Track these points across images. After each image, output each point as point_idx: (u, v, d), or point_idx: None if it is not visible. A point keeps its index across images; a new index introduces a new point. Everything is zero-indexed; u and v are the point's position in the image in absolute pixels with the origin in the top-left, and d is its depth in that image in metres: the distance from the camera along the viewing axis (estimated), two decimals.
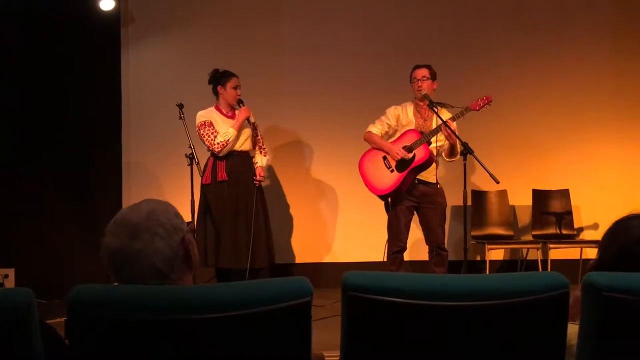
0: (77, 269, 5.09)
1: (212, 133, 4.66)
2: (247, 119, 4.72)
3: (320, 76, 5.85)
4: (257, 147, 4.90)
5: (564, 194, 5.85)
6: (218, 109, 4.79)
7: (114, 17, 5.66)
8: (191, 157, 4.47)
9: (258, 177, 4.79)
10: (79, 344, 1.32)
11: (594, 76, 6.00)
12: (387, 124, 4.63)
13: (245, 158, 4.81)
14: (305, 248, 5.33)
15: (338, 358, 1.47)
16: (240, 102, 4.74)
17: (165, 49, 5.88)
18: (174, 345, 1.30)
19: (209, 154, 4.79)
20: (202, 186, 4.76)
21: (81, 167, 5.55)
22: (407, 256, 4.70)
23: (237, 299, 1.32)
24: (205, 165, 4.74)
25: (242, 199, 4.73)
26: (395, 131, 4.65)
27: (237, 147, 4.74)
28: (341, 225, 5.93)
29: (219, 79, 4.76)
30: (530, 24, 5.99)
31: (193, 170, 4.48)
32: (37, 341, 1.31)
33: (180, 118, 4.56)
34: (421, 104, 4.60)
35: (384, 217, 4.69)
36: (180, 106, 4.60)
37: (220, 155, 4.70)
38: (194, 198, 4.53)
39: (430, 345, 1.42)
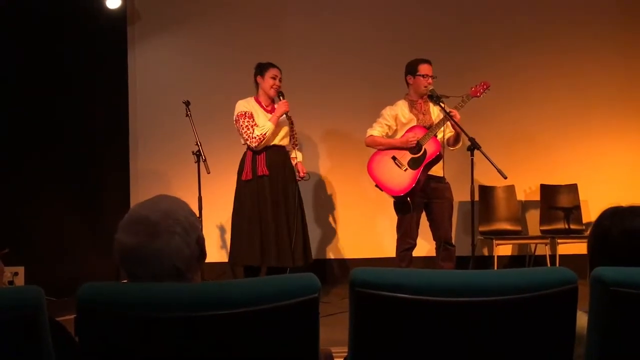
0: (86, 267, 5.12)
1: (251, 126, 4.48)
2: (286, 113, 4.53)
3: (324, 72, 5.84)
4: (292, 143, 4.73)
5: (572, 188, 5.83)
6: (257, 100, 4.63)
7: (121, 16, 5.68)
8: (198, 154, 4.48)
9: (302, 173, 4.66)
10: (89, 341, 1.33)
11: (603, 70, 5.96)
12: (387, 124, 4.57)
13: (284, 153, 4.63)
14: (312, 245, 5.32)
15: (346, 354, 1.47)
16: (280, 95, 4.55)
17: (172, 47, 5.88)
18: (183, 343, 1.31)
19: (243, 148, 4.60)
20: (242, 182, 4.55)
21: (89, 166, 5.58)
22: (414, 252, 4.68)
23: (245, 296, 1.32)
24: (243, 161, 4.58)
25: (281, 195, 4.55)
26: (395, 131, 4.61)
27: (277, 141, 4.58)
28: (348, 222, 5.92)
29: (260, 69, 4.61)
30: (538, 17, 5.96)
31: (200, 167, 4.49)
32: (47, 338, 1.32)
33: (187, 115, 4.57)
34: (415, 99, 4.58)
35: (390, 213, 4.68)
36: (187, 103, 4.60)
37: (257, 149, 4.51)
38: (201, 195, 4.53)
39: (438, 341, 1.42)
